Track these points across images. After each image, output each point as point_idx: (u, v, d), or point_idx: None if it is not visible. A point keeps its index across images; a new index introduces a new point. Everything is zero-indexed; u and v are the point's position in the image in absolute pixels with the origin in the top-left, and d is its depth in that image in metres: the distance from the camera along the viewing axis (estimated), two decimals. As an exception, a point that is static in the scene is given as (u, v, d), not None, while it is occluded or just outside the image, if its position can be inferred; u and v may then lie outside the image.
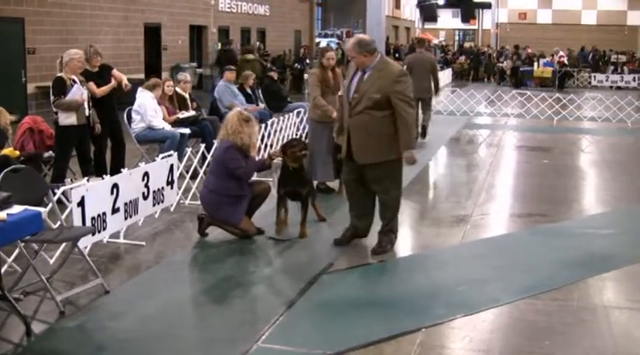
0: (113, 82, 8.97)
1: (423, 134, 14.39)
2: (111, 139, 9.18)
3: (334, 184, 8.92)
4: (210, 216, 6.97)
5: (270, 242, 6.87)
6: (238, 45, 25.64)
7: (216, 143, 7.29)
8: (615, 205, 9.00)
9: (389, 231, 6.62)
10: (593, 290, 5.76)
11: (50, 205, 5.78)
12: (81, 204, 5.90)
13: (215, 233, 7.05)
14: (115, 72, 9.14)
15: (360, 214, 6.74)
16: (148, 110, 9.73)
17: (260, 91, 13.74)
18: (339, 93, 8.44)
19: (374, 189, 6.57)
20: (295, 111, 12.22)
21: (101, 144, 9.00)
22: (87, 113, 8.37)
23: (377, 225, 6.73)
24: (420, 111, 14.30)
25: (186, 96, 10.91)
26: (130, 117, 9.83)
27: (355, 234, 6.81)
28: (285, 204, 7.21)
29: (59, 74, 8.24)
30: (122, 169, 7.21)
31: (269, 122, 11.03)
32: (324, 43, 32.84)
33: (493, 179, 10.46)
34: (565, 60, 29.67)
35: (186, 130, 10.11)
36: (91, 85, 8.72)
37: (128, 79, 9.29)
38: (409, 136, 6.29)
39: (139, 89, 9.92)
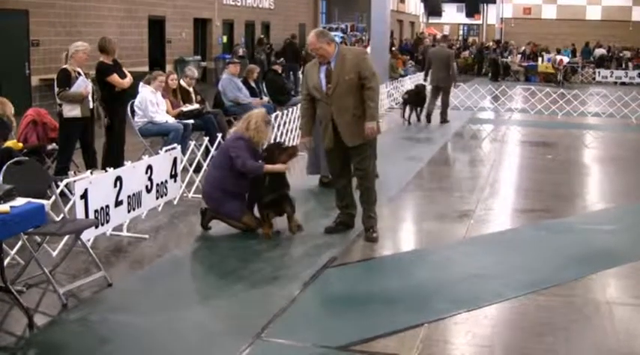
0: (129, 77, 8.93)
1: (444, 119, 15.75)
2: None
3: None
4: (213, 209, 6.97)
5: (273, 236, 6.85)
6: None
7: (228, 135, 7.27)
8: (619, 201, 8.98)
9: (375, 214, 6.86)
10: (596, 287, 5.75)
11: (53, 198, 5.78)
12: (84, 196, 5.91)
13: (218, 226, 7.04)
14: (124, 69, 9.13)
15: (348, 204, 7.02)
16: (148, 106, 9.74)
17: (263, 85, 13.74)
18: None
19: (356, 173, 6.84)
20: (299, 105, 12.18)
21: (117, 137, 8.93)
22: (91, 105, 8.36)
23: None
24: (439, 99, 15.78)
25: (190, 89, 10.92)
26: (133, 111, 9.84)
27: (345, 224, 7.04)
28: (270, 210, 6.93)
29: (64, 66, 8.24)
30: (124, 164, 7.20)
31: (272, 116, 11.01)
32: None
33: (497, 174, 10.44)
34: (565, 61, 29.53)
35: (189, 120, 10.11)
36: (115, 76, 8.67)
37: (132, 72, 9.27)
38: (375, 107, 6.57)
39: (140, 84, 9.92)
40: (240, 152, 6.79)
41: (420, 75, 19.59)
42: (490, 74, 30.74)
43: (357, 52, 6.97)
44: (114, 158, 8.68)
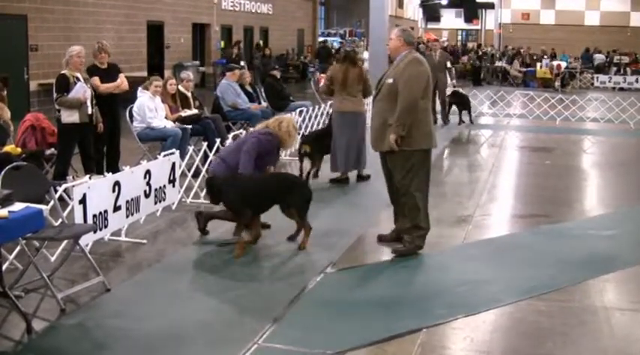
0: (118, 81, 8.94)
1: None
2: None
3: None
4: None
5: (272, 240, 6.84)
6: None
7: (259, 127, 7.28)
8: (617, 206, 8.99)
9: (412, 228, 6.55)
10: (595, 292, 5.75)
11: (52, 203, 5.78)
12: (82, 201, 5.90)
13: (216, 231, 7.04)
14: (122, 75, 9.12)
15: (397, 211, 6.78)
16: (146, 112, 9.74)
17: (262, 90, 13.75)
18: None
19: (394, 181, 6.58)
20: (298, 111, 12.20)
21: (100, 142, 8.96)
22: (89, 111, 8.36)
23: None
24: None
25: (189, 94, 10.92)
26: (131, 115, 9.84)
27: (396, 236, 6.78)
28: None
29: (63, 71, 8.24)
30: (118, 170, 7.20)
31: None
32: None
33: (495, 179, 10.44)
34: (563, 66, 29.58)
35: (188, 126, 10.13)
36: (95, 79, 8.71)
37: (130, 77, 9.28)
38: (398, 121, 6.22)
39: (139, 89, 9.94)
40: (253, 149, 6.83)
41: None
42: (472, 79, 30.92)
43: (411, 60, 6.36)
44: (108, 162, 8.72)
